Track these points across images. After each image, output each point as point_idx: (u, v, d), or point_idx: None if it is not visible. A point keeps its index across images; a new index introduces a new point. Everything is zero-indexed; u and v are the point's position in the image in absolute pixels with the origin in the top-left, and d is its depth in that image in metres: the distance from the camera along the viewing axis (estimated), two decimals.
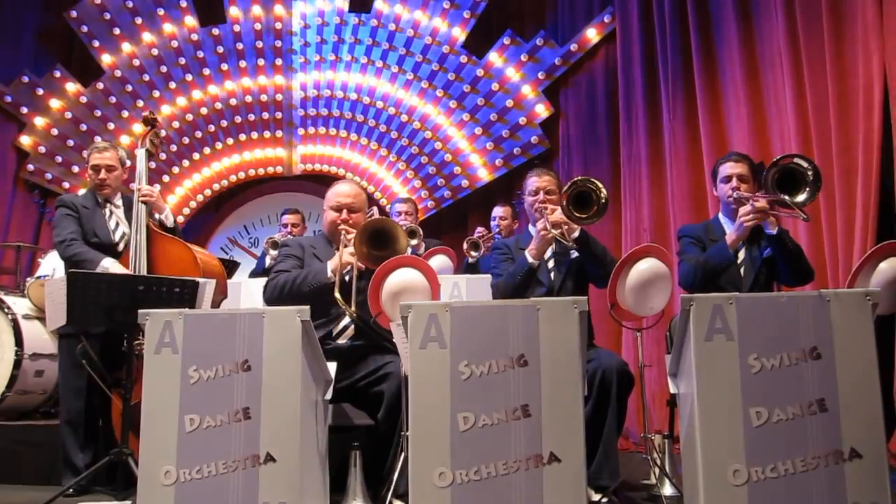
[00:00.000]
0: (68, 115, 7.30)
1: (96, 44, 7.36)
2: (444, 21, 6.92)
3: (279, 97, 7.36)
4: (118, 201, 4.03)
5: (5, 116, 7.28)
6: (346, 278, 3.25)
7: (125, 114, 7.37)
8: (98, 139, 6.71)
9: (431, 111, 6.99)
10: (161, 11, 7.33)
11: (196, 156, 7.45)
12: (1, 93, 7.18)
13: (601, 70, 6.44)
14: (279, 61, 7.36)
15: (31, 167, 7.24)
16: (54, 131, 7.26)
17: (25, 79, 7.23)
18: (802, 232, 4.37)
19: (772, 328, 2.23)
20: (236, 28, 7.31)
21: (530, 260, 3.41)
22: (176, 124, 7.39)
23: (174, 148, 7.41)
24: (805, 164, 3.11)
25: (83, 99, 7.33)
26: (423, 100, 7.01)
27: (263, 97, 7.37)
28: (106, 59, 7.37)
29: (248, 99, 7.37)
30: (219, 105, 7.39)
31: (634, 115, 5.89)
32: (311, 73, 7.34)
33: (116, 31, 7.34)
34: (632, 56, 5.99)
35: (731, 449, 2.17)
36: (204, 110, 7.40)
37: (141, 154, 4.05)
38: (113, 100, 7.36)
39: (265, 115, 7.39)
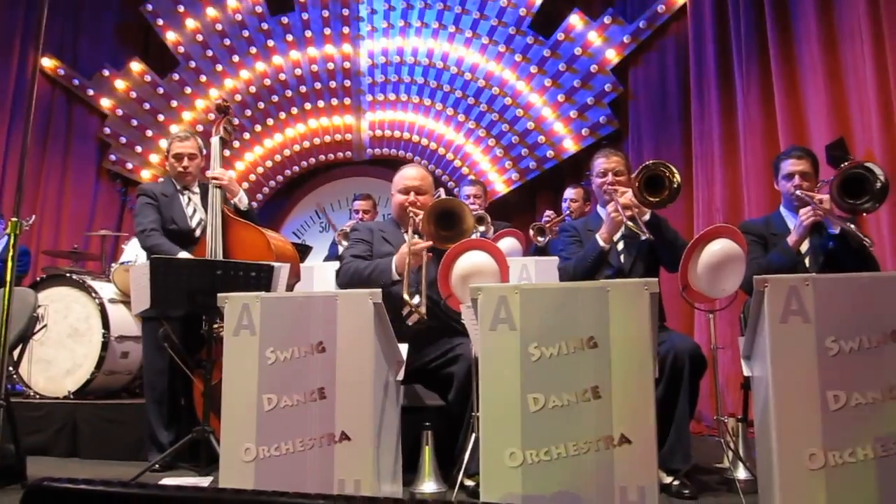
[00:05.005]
0: (146, 106, 7.55)
1: (171, 36, 7.57)
2: (510, 2, 6.86)
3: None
4: (195, 188, 4.16)
5: (87, 109, 7.58)
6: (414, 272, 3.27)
7: (199, 104, 7.58)
8: (174, 128, 6.94)
9: (498, 93, 6.97)
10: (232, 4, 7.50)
11: (268, 143, 7.61)
12: (83, 86, 7.47)
13: (672, 47, 6.30)
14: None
15: (112, 157, 7.53)
16: (134, 122, 7.53)
17: (106, 72, 7.51)
18: (884, 212, 4.22)
19: (850, 310, 2.17)
20: (304, 16, 7.42)
21: (601, 243, 3.37)
22: (248, 112, 7.57)
23: (247, 136, 7.59)
24: (877, 173, 3.17)
25: (160, 90, 7.57)
26: (490, 82, 6.99)
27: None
28: (181, 50, 7.59)
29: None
30: (289, 93, 7.53)
31: (706, 91, 5.75)
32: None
33: (190, 22, 7.53)
34: (703, 31, 5.84)
35: (807, 433, 2.13)
36: (275, 98, 7.56)
37: (215, 142, 4.18)
38: (188, 90, 7.58)
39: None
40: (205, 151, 4.23)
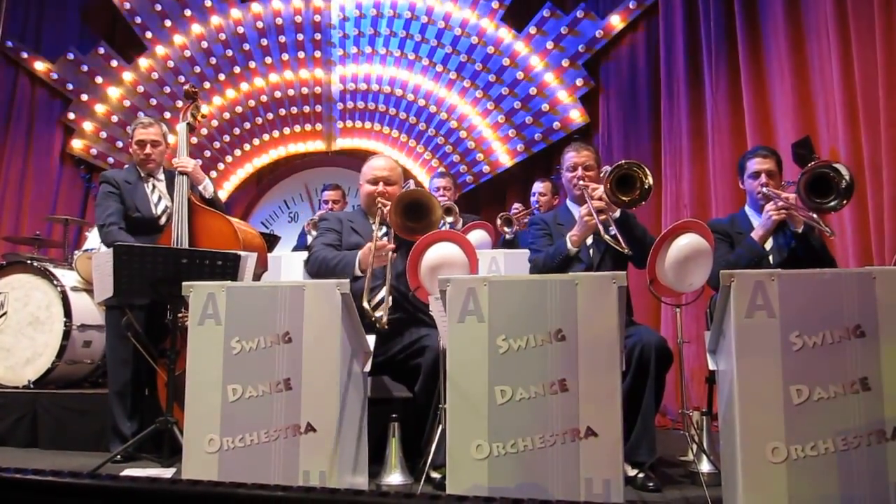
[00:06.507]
0: (112, 91, 7.41)
1: (138, 20, 7.43)
2: None
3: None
4: (160, 175, 4.10)
5: (51, 93, 7.42)
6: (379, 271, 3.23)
7: (167, 90, 7.45)
8: (141, 115, 6.82)
9: (470, 85, 6.94)
10: None
11: (237, 131, 7.51)
12: (47, 70, 7.31)
13: (642, 43, 6.33)
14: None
15: (77, 143, 7.37)
16: (99, 108, 7.38)
17: (71, 56, 7.35)
18: (847, 209, 4.27)
19: (814, 305, 2.19)
20: (277, 7, 7.33)
21: (569, 246, 3.37)
22: (217, 100, 7.46)
23: (215, 123, 7.48)
24: (843, 173, 3.26)
25: (126, 76, 7.43)
26: (462, 74, 6.96)
27: (304, 73, 7.39)
28: (148, 36, 7.45)
29: (289, 76, 7.40)
30: (259, 82, 7.43)
31: (676, 88, 5.80)
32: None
33: (158, 7, 7.40)
34: (674, 28, 5.88)
35: (770, 427, 2.15)
36: (245, 86, 7.45)
37: (182, 128, 4.12)
38: (155, 76, 7.45)
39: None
40: (171, 139, 4.16)
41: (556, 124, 6.64)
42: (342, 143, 7.44)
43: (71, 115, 7.37)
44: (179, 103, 6.99)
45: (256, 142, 7.53)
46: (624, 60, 6.43)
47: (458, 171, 6.95)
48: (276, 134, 7.51)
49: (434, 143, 7.12)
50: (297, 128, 7.48)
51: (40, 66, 7.30)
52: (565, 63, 6.59)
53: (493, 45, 6.83)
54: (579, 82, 6.55)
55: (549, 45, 6.64)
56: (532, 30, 6.71)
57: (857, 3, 4.38)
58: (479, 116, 6.95)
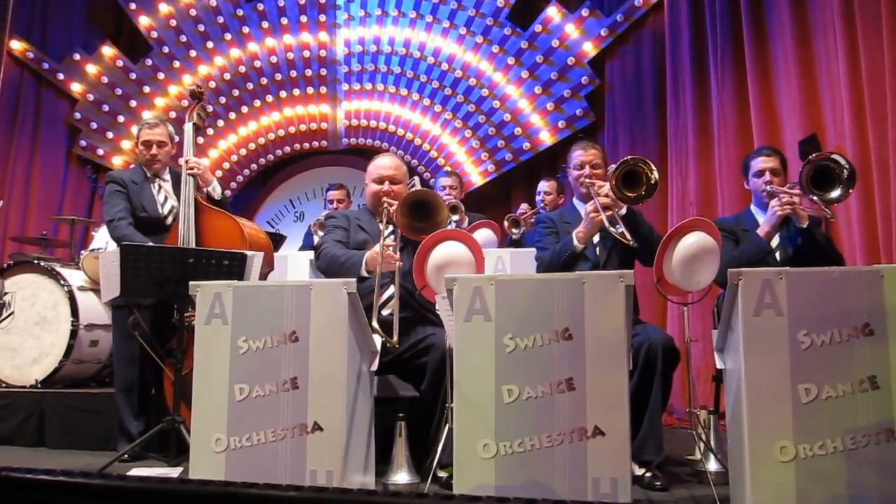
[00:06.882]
0: (118, 91, 7.43)
1: (144, 21, 7.45)
2: None
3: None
4: (166, 176, 4.11)
5: (57, 93, 7.43)
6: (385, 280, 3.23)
7: (172, 89, 7.47)
8: (146, 115, 6.83)
9: (475, 84, 6.93)
10: None
11: (243, 130, 7.52)
12: (53, 70, 7.33)
13: (648, 40, 6.31)
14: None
15: (82, 143, 7.39)
16: (105, 107, 7.40)
17: (76, 56, 7.37)
18: (854, 207, 4.27)
19: (823, 304, 2.18)
20: (280, 3, 7.33)
21: (576, 243, 3.36)
22: (223, 99, 7.47)
23: (221, 123, 7.50)
24: (842, 163, 3.26)
25: (132, 75, 7.44)
26: (467, 73, 6.95)
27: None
28: (154, 35, 7.46)
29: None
30: (264, 80, 7.43)
31: (681, 86, 5.77)
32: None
33: (163, 7, 7.41)
34: (679, 25, 5.85)
35: (778, 425, 2.14)
36: (250, 85, 7.45)
37: (188, 128, 4.12)
38: (161, 76, 7.46)
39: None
40: (176, 138, 4.17)
41: (562, 123, 6.61)
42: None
43: (77, 115, 7.39)
44: (185, 102, 7.02)
45: (262, 141, 7.52)
46: (629, 58, 6.40)
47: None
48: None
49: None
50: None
51: (46, 66, 7.29)
52: (570, 61, 6.54)
53: (499, 45, 6.81)
54: (585, 80, 6.50)
55: (555, 42, 6.58)
56: (537, 28, 6.67)
57: (863, 1, 4.36)
58: (482, 116, 6.92)
